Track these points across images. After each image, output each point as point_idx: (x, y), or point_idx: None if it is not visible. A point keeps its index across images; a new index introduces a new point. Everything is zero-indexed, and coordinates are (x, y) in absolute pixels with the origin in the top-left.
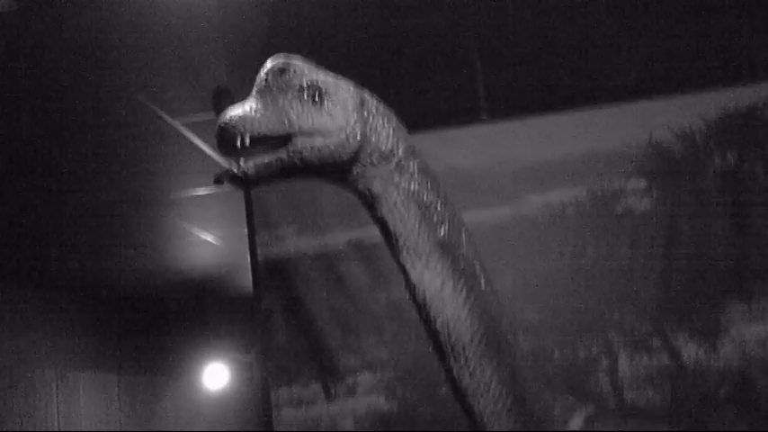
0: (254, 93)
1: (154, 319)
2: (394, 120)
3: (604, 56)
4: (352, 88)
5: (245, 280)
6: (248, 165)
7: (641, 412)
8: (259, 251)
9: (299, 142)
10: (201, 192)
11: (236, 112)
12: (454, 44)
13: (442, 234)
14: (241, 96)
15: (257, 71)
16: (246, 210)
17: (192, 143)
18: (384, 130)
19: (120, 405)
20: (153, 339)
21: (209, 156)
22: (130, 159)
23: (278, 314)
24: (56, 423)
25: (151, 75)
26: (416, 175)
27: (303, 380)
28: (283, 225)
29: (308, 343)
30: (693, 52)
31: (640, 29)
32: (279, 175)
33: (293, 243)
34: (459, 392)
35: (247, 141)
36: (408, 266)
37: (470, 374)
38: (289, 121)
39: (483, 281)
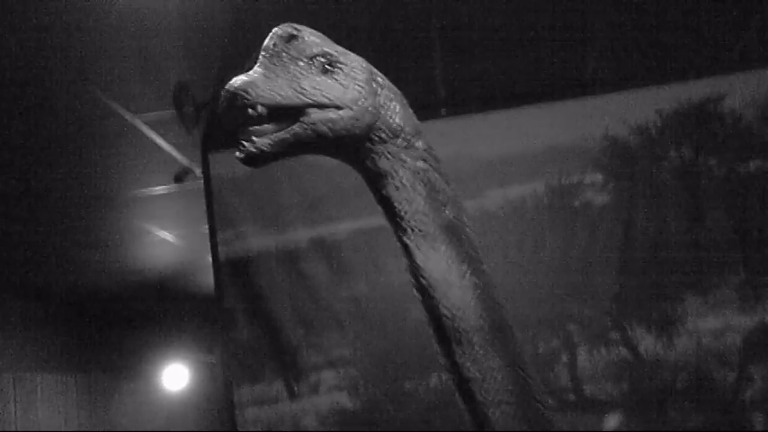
0: (261, 60)
1: (113, 320)
2: (399, 95)
3: (561, 51)
4: (361, 60)
5: (207, 279)
6: (263, 141)
7: (601, 404)
8: (220, 249)
9: (314, 115)
10: (161, 190)
11: (244, 78)
12: (414, 38)
13: (447, 215)
14: (202, 93)
15: (218, 68)
16: (207, 208)
17: (151, 140)
18: (392, 104)
19: (79, 406)
20: (113, 340)
21: (169, 153)
22: (88, 157)
23: (240, 313)
24: (14, 424)
25: (110, 70)
26: (424, 153)
27: (266, 378)
28: (244, 223)
29: (271, 341)
30: (648, 47)
31: (596, 24)
32: (291, 151)
33: (255, 241)
34: (461, 381)
35: (262, 110)
36: (413, 247)
37: (474, 361)
38: (302, 90)
39: (484, 266)
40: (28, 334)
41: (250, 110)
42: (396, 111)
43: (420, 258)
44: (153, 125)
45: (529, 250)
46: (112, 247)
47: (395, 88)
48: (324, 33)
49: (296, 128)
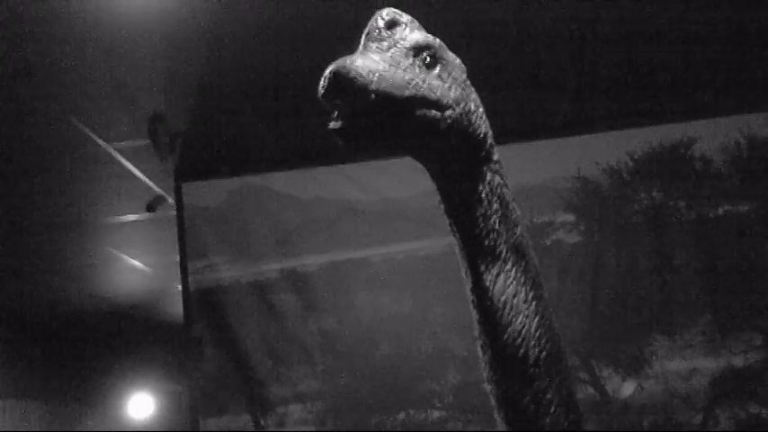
0: (367, 44)
1: (80, 347)
2: (481, 103)
3: (534, 92)
4: (458, 59)
5: (176, 308)
6: (363, 119)
7: None
8: (190, 279)
9: (418, 110)
10: (133, 218)
11: (353, 60)
12: None
13: (518, 235)
14: (176, 123)
15: (194, 98)
16: (179, 237)
17: (125, 168)
18: (480, 111)
19: None
20: (79, 367)
21: (142, 182)
22: (62, 182)
23: (208, 343)
24: None
25: (86, 98)
26: (500, 167)
27: (232, 410)
28: (215, 253)
29: (239, 373)
30: (621, 90)
31: (569, 66)
32: (387, 141)
33: (225, 271)
34: (513, 410)
35: (373, 96)
36: (482, 268)
37: (534, 393)
38: (410, 83)
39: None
40: None
41: (358, 95)
42: (483, 118)
43: (489, 279)
44: (127, 153)
45: None
46: (82, 273)
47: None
48: (299, 71)
49: (401, 119)
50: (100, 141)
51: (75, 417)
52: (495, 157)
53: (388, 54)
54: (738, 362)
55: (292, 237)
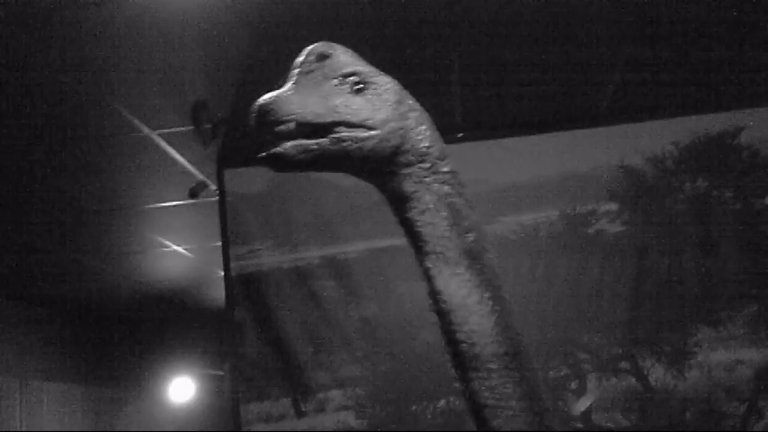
0: (294, 77)
1: (122, 331)
2: (428, 119)
3: (579, 81)
4: (392, 81)
5: (218, 293)
6: (290, 145)
7: None
8: (233, 265)
9: (343, 132)
10: (176, 204)
11: (277, 94)
12: (433, 63)
13: (470, 241)
14: (219, 110)
15: (237, 85)
16: (221, 223)
17: (169, 155)
18: (421, 127)
19: (84, 416)
20: (120, 351)
21: (185, 168)
22: (106, 168)
23: (250, 329)
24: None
25: (131, 85)
26: (449, 178)
27: (273, 395)
28: (258, 239)
29: (280, 358)
30: (666, 79)
31: (615, 54)
32: (314, 164)
33: (267, 258)
34: (476, 407)
35: (292, 125)
36: (434, 272)
37: (491, 389)
38: (333, 109)
39: (504, 293)
40: (37, 341)
41: (281, 126)
42: (425, 134)
43: (441, 283)
44: (170, 140)
45: (541, 277)
46: (125, 258)
47: (425, 112)
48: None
49: (324, 141)
50: (144, 128)
51: (117, 400)
52: (445, 169)
53: (314, 85)
54: None
55: (333, 223)
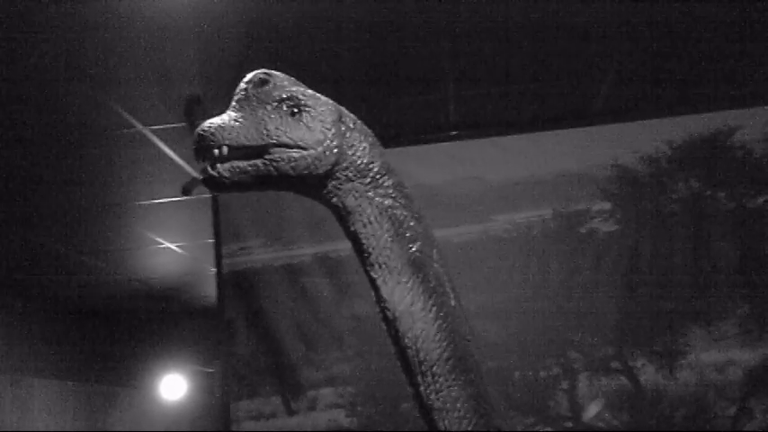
0: (233, 103)
1: (114, 327)
2: (370, 136)
3: (572, 79)
4: (330, 103)
5: (210, 290)
6: (224, 167)
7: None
8: (224, 262)
9: (276, 153)
10: (168, 200)
11: (214, 121)
12: (427, 63)
13: (413, 251)
14: (213, 105)
15: (230, 81)
16: (213, 220)
17: (161, 151)
18: (361, 145)
19: (76, 413)
20: (112, 347)
21: (178, 164)
22: (99, 165)
23: (241, 326)
24: (10, 428)
25: (124, 81)
26: (391, 191)
27: (264, 393)
28: (250, 237)
29: (271, 356)
30: (660, 78)
31: (608, 53)
32: (253, 183)
33: (259, 255)
34: (424, 410)
35: (225, 150)
36: (379, 282)
37: (437, 392)
38: (267, 132)
39: (453, 299)
40: (28, 337)
41: (216, 150)
42: (365, 151)
43: (386, 292)
44: (163, 136)
45: (533, 275)
46: (117, 255)
47: (366, 129)
48: (334, 57)
49: (257, 162)
50: (136, 124)
51: (108, 397)
52: (387, 183)
53: (251, 110)
54: None
55: (326, 221)
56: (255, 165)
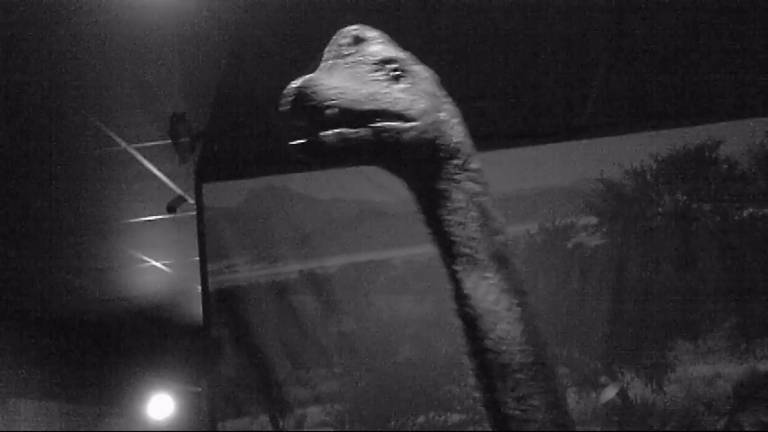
0: (328, 61)
1: (100, 347)
2: (459, 113)
3: (558, 94)
4: (428, 71)
5: (196, 308)
6: (329, 134)
7: None
8: (210, 280)
9: (384, 123)
10: (154, 218)
11: (313, 77)
12: None
13: (499, 243)
14: (197, 123)
15: (214, 99)
16: (199, 238)
17: (146, 169)
18: (454, 120)
19: None
20: (98, 367)
21: (163, 182)
22: (81, 183)
23: (227, 344)
24: None
25: (108, 99)
26: (478, 176)
27: (251, 412)
28: (235, 254)
29: (258, 374)
30: (645, 92)
31: (594, 68)
32: (351, 155)
33: (245, 273)
34: (500, 417)
35: (333, 112)
36: (463, 275)
37: (518, 399)
38: (372, 96)
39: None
40: (12, 358)
41: (322, 112)
42: (456, 128)
43: (468, 287)
44: (148, 154)
45: None
46: (103, 274)
47: (455, 105)
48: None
49: (364, 131)
50: (121, 142)
51: (94, 417)
52: (474, 166)
53: (351, 69)
54: (763, 367)
55: (312, 238)
56: (361, 134)
